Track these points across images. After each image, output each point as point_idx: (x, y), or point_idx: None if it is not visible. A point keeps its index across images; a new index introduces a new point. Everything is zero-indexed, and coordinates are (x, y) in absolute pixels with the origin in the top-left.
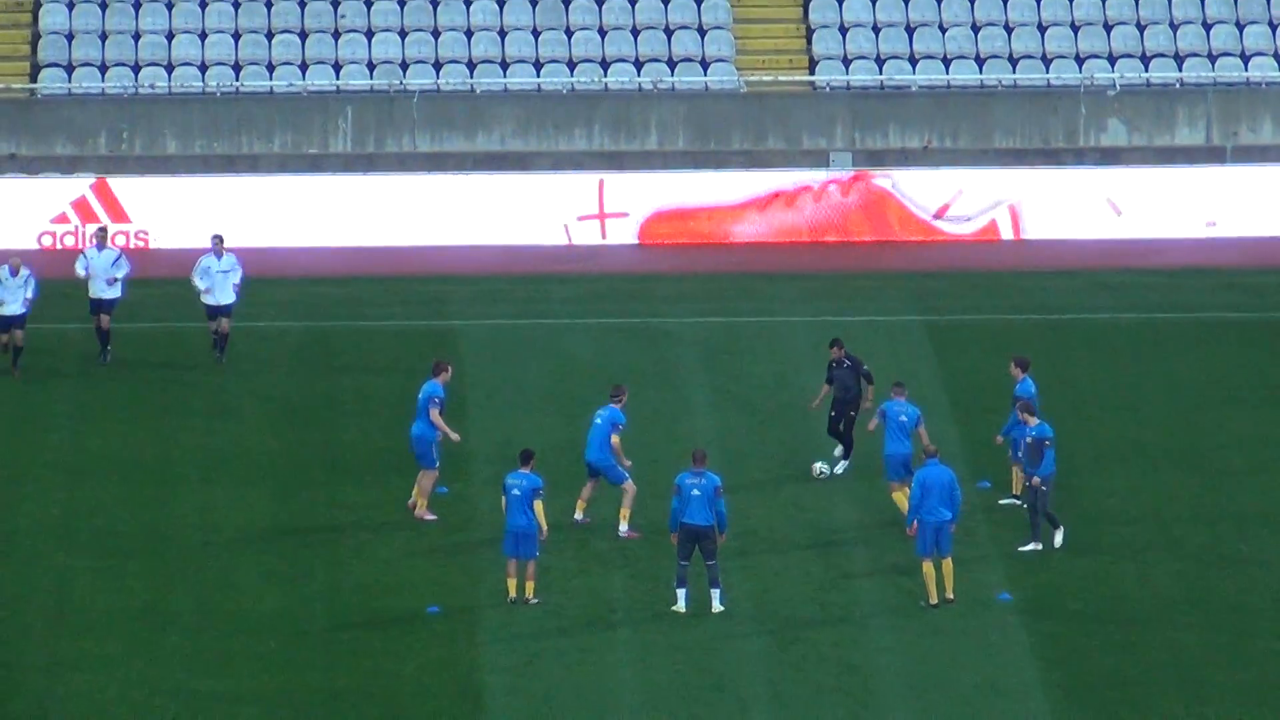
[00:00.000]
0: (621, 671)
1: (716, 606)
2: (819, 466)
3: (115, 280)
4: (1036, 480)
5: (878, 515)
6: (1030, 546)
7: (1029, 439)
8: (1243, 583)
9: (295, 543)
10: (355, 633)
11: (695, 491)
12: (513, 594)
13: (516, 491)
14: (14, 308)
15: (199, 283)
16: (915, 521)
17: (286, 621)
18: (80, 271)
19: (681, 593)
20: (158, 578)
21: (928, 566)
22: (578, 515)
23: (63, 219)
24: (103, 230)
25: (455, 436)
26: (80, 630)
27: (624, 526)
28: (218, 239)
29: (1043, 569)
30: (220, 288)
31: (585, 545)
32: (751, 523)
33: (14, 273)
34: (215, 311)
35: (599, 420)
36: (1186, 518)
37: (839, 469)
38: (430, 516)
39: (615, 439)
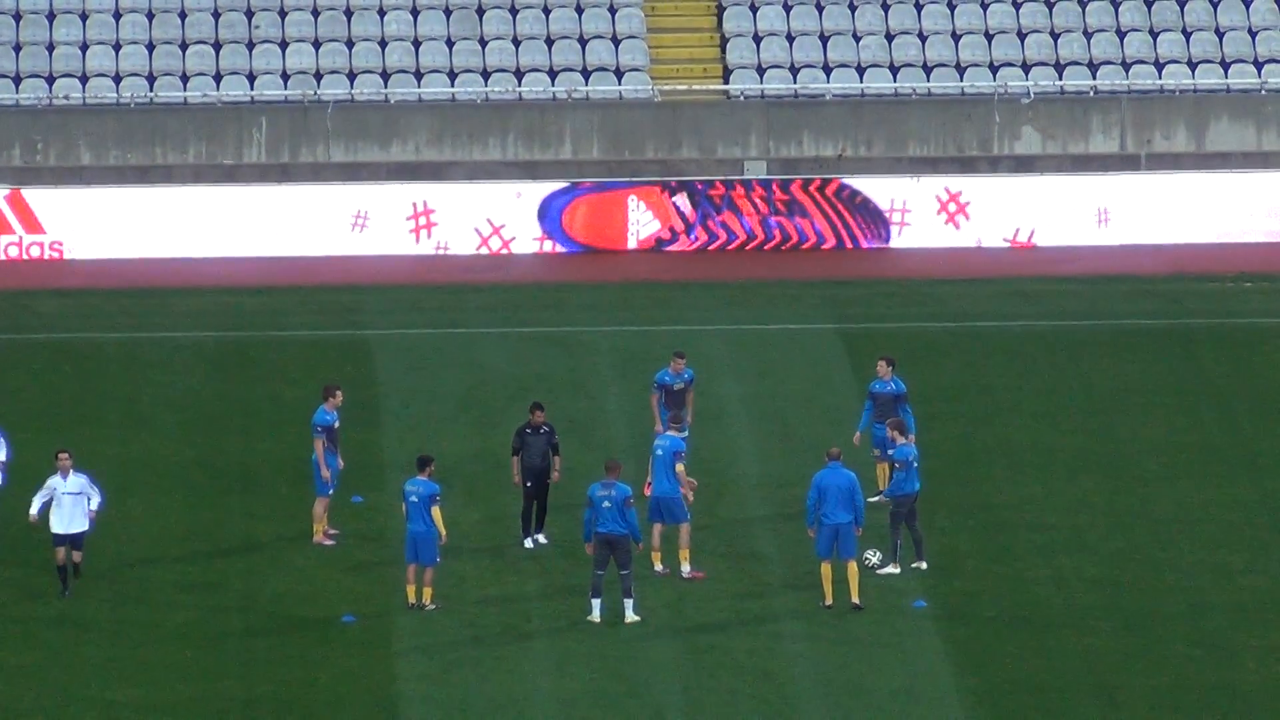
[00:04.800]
0: (537, 680)
1: (630, 616)
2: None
3: (92, 513)
4: (885, 499)
5: (793, 524)
6: (888, 570)
7: (896, 461)
8: (1157, 588)
9: (210, 552)
10: (271, 641)
11: (606, 504)
12: (412, 599)
13: (414, 498)
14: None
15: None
16: (814, 524)
17: (202, 630)
18: (38, 510)
19: (596, 603)
20: (73, 587)
21: (825, 568)
22: (657, 568)
23: None
24: (66, 453)
25: (325, 472)
26: None
27: (686, 567)
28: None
29: (957, 575)
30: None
31: (500, 554)
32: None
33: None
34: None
35: (659, 451)
36: (1101, 524)
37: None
38: (328, 541)
39: (680, 466)
